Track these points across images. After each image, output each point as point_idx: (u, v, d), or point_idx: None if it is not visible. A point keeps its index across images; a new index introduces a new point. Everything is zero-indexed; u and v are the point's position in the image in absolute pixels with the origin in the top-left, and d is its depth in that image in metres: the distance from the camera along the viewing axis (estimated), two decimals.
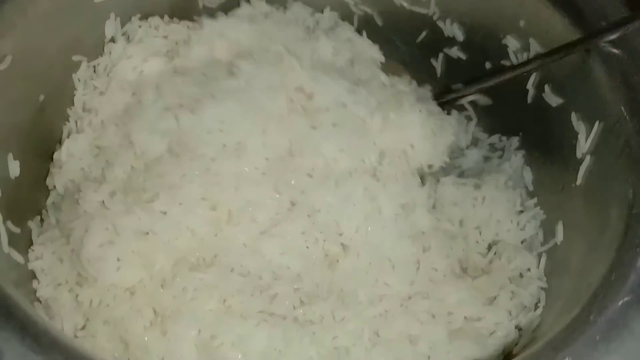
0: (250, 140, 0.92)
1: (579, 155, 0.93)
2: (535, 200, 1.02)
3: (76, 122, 1.01)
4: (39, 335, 0.65)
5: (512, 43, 1.04)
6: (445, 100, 1.10)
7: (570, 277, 0.88)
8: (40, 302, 0.85)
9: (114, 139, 0.97)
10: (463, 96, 1.10)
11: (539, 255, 0.96)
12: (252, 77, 0.96)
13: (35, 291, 0.87)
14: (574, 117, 0.95)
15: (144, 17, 1.08)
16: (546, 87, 1.01)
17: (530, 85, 1.03)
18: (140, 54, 1.04)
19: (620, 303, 0.73)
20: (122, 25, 1.06)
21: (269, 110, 0.94)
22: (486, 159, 1.11)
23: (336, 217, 0.91)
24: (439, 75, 1.16)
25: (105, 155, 0.96)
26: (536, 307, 0.91)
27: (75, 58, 1.01)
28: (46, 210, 0.96)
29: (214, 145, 0.92)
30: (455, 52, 1.14)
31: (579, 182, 0.92)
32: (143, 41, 1.06)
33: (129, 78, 1.03)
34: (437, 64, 1.17)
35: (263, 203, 0.90)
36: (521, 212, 1.02)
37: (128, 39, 1.07)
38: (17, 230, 0.87)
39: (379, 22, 1.19)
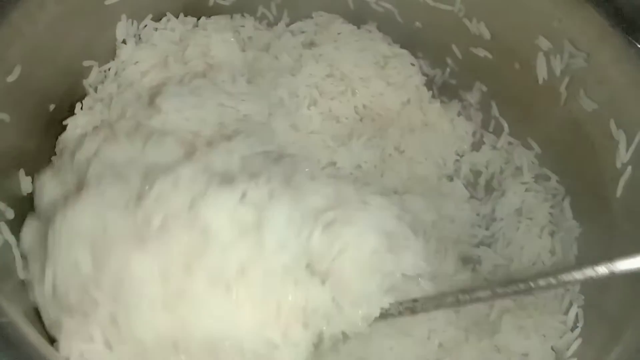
0: None
1: (618, 165, 0.89)
2: (570, 213, 0.98)
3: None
4: None
5: (544, 44, 0.99)
6: None
7: (611, 293, 0.85)
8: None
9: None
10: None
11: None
12: None
13: None
14: (612, 124, 0.91)
15: (156, 17, 1.03)
16: (581, 91, 0.96)
17: (563, 88, 0.98)
18: (148, 59, 1.00)
19: None
20: (134, 26, 1.01)
21: None
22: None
23: None
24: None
25: None
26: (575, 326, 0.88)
27: (86, 63, 0.97)
28: None
29: None
30: (481, 51, 1.09)
31: (618, 194, 0.88)
32: (154, 44, 1.01)
33: (138, 83, 0.98)
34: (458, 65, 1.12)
35: None
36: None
37: (139, 40, 1.02)
38: None
39: (400, 19, 1.13)
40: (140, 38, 1.03)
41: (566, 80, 0.98)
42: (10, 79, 0.82)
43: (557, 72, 0.98)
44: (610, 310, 0.85)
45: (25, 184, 0.85)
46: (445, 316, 0.89)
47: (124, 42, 1.01)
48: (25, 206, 0.85)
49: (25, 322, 0.67)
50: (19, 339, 0.63)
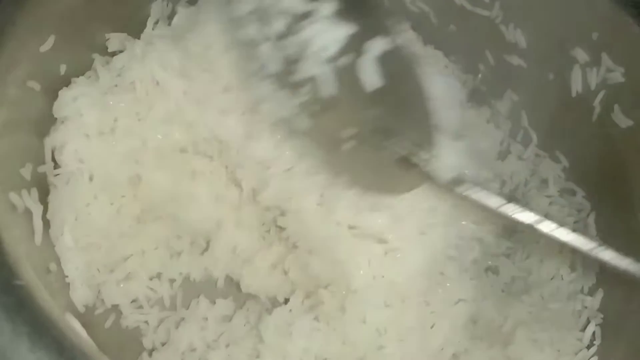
0: None
1: None
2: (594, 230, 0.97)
3: None
4: (75, 357, 0.60)
5: (581, 56, 0.97)
6: None
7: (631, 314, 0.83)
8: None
9: None
10: None
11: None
12: None
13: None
14: None
15: (192, 0, 1.02)
16: (615, 107, 0.94)
17: (597, 102, 0.96)
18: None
19: None
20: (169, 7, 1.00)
21: None
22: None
23: None
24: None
25: None
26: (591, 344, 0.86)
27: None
28: None
29: None
30: (515, 59, 1.07)
31: None
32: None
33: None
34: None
35: None
36: None
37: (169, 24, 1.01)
38: None
39: (435, 20, 1.12)
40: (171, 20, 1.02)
41: (601, 94, 0.96)
42: (44, 48, 0.82)
43: (593, 85, 0.97)
44: (629, 330, 0.83)
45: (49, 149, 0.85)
46: (461, 328, 0.88)
47: (156, 22, 1.00)
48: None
49: (39, 286, 0.67)
50: (33, 302, 0.63)
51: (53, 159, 0.86)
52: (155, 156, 0.88)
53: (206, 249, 0.94)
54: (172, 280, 0.93)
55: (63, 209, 0.84)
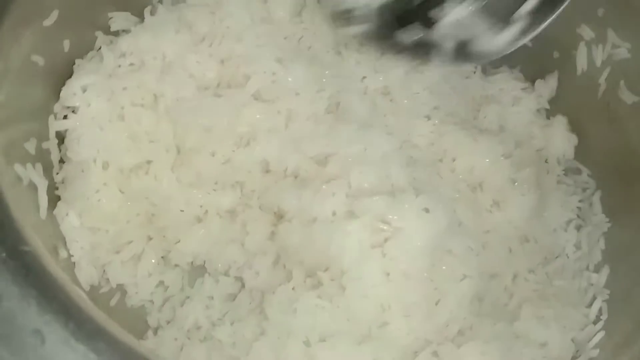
0: None
1: None
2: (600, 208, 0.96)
3: None
4: (83, 322, 0.60)
5: (586, 33, 0.97)
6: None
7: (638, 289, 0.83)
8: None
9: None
10: None
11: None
12: None
13: None
14: None
15: None
16: (621, 83, 0.94)
17: (602, 79, 0.96)
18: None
19: None
20: None
21: None
22: None
23: None
24: None
25: None
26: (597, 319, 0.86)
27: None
28: None
29: None
30: None
31: None
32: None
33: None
34: None
35: None
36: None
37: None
38: None
39: None
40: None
41: (607, 71, 0.95)
42: (47, 22, 0.82)
43: (598, 62, 0.96)
44: (636, 305, 0.83)
45: (53, 129, 0.85)
46: (467, 304, 0.87)
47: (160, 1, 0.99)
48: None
49: (45, 253, 0.67)
50: (41, 268, 0.63)
51: (61, 143, 0.86)
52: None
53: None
54: (176, 265, 0.93)
55: (74, 196, 0.84)
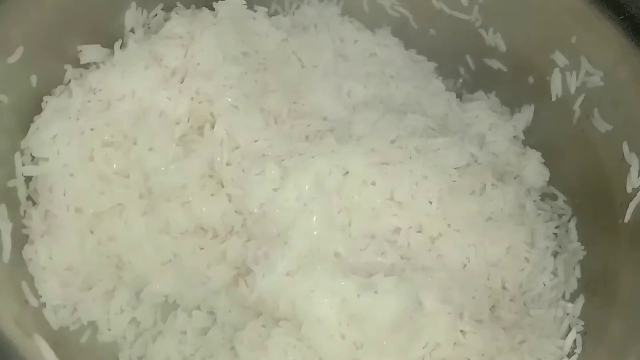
0: None
1: (629, 190, 0.86)
2: (576, 235, 0.96)
3: None
4: None
5: (560, 59, 0.97)
6: None
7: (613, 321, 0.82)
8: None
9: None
10: None
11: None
12: None
13: None
14: (625, 147, 0.88)
15: (167, 8, 1.00)
16: (595, 111, 0.93)
17: (577, 106, 0.96)
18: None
19: None
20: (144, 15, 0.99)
21: None
22: None
23: None
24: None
25: None
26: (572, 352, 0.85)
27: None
28: None
29: None
30: (495, 63, 1.06)
31: (627, 219, 0.85)
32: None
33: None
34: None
35: None
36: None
37: (148, 29, 1.00)
38: None
39: (415, 25, 1.11)
40: (149, 27, 1.00)
41: (581, 98, 0.95)
42: (12, 59, 0.81)
43: (572, 89, 0.96)
44: (611, 338, 0.83)
45: (20, 168, 0.84)
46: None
47: (132, 30, 0.98)
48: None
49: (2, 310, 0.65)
50: None
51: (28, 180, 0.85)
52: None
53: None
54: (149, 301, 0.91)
55: (44, 237, 0.83)
